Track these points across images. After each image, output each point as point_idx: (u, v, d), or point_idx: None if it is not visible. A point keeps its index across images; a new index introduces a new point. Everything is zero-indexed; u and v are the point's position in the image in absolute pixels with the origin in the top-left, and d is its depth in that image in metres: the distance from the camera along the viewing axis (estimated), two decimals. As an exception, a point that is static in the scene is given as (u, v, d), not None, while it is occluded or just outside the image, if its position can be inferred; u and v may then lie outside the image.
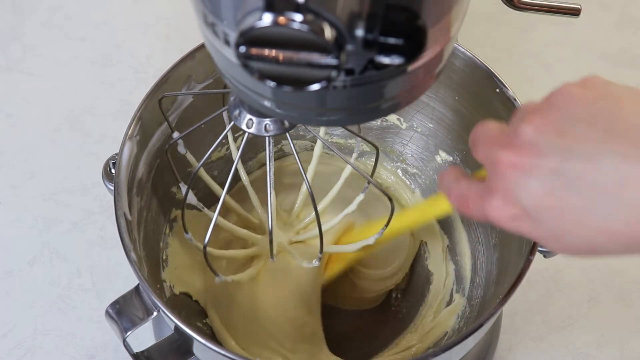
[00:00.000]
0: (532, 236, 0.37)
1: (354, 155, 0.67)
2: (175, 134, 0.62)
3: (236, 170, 0.54)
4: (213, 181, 0.68)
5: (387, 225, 0.61)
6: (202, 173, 0.67)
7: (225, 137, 0.54)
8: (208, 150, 0.56)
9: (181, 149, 0.63)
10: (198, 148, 0.66)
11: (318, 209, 0.57)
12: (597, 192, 0.33)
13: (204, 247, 0.56)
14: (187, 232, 0.61)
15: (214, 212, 0.55)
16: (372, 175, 0.64)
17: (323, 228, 0.58)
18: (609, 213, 0.33)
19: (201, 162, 0.55)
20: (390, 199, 0.58)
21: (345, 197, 0.69)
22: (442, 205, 0.58)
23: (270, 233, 0.56)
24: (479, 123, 0.40)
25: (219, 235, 0.70)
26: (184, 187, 0.63)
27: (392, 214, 0.59)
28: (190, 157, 0.64)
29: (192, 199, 0.64)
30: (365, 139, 0.63)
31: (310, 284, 0.69)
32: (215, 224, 0.55)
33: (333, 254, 0.68)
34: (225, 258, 0.68)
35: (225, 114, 0.61)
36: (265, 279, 0.69)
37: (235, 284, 0.66)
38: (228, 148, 0.71)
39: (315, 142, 0.73)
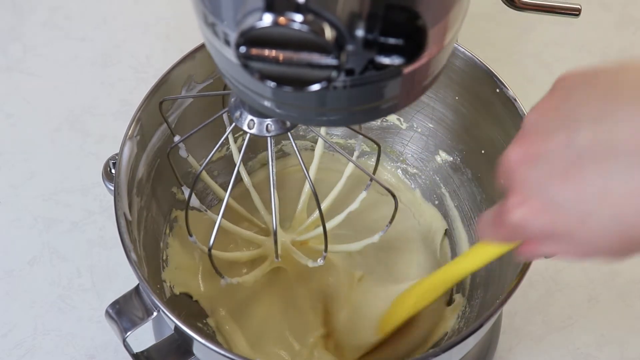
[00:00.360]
0: (559, 230, 0.33)
1: (355, 154, 0.67)
2: (176, 138, 0.62)
3: (238, 172, 0.54)
4: (215, 184, 0.68)
5: (391, 222, 0.61)
6: (204, 176, 0.67)
7: (226, 138, 0.54)
8: (207, 149, 0.55)
9: (183, 152, 0.63)
10: (197, 148, 0.66)
11: (321, 208, 0.57)
12: (613, 155, 0.30)
13: (209, 250, 0.56)
14: (191, 236, 0.61)
15: (215, 213, 0.55)
16: (374, 173, 0.64)
17: (327, 227, 0.58)
18: (631, 178, 0.30)
19: (202, 166, 0.55)
20: (394, 196, 0.58)
21: (348, 196, 0.70)
22: (488, 249, 0.49)
23: (275, 233, 0.56)
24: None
25: (221, 237, 0.70)
26: (185, 189, 0.63)
27: (395, 210, 0.59)
28: (192, 160, 0.64)
29: (194, 202, 0.64)
30: (366, 136, 0.63)
31: (327, 288, 0.69)
32: (219, 227, 0.55)
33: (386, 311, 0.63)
34: (229, 260, 0.68)
35: (225, 116, 0.61)
36: (283, 279, 0.69)
37: (249, 284, 0.66)
38: (228, 148, 0.71)
39: (315, 143, 0.73)
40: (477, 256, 0.51)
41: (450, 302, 0.70)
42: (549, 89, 0.35)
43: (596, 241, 0.33)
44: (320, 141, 0.68)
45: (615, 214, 0.31)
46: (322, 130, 0.68)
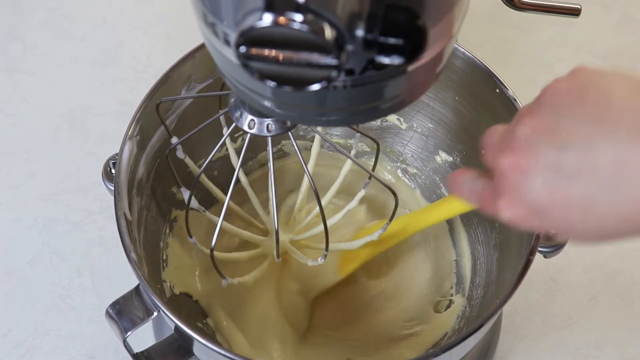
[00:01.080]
0: (544, 230, 0.38)
1: (353, 152, 0.67)
2: (174, 139, 0.61)
3: (237, 173, 0.54)
4: (214, 186, 0.68)
5: (390, 220, 0.61)
6: (203, 178, 0.67)
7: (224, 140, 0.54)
8: (206, 150, 0.55)
9: (180, 154, 0.63)
10: (196, 148, 0.66)
11: (322, 206, 0.57)
12: (597, 179, 0.33)
13: (211, 251, 0.56)
14: (191, 237, 0.61)
15: (214, 213, 0.55)
16: (373, 170, 0.64)
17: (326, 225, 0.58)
18: (613, 198, 0.33)
19: (202, 168, 0.55)
20: (393, 193, 0.58)
21: (347, 195, 0.70)
22: (456, 205, 0.58)
23: (277, 233, 0.56)
24: (488, 129, 0.41)
25: (220, 237, 0.70)
26: (184, 191, 0.63)
27: (396, 208, 0.59)
28: (189, 161, 0.64)
29: (194, 203, 0.64)
30: (365, 134, 0.63)
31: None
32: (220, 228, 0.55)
33: (345, 252, 0.68)
34: (229, 260, 0.68)
35: (222, 117, 0.61)
36: (282, 278, 0.69)
37: (249, 284, 0.67)
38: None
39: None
40: (446, 209, 0.59)
41: (449, 305, 0.70)
42: (538, 97, 0.37)
43: (578, 239, 0.37)
44: (316, 140, 0.68)
45: (597, 227, 0.35)
46: (321, 129, 0.68)
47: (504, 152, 0.37)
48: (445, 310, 0.69)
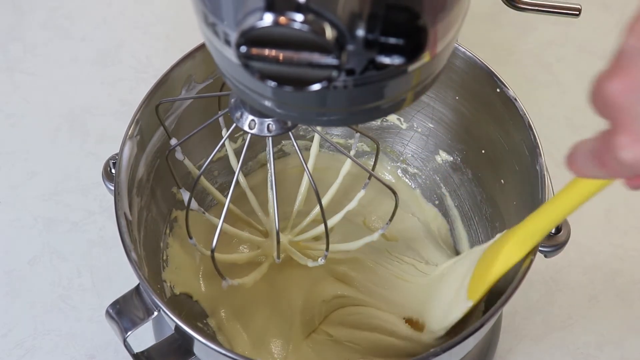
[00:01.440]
0: None
1: (352, 152, 0.67)
2: (173, 141, 0.61)
3: (237, 174, 0.54)
4: (214, 188, 0.68)
5: (390, 219, 0.61)
6: (202, 180, 0.67)
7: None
8: (206, 150, 0.55)
9: (179, 155, 0.63)
10: (196, 149, 0.66)
11: (322, 206, 0.57)
12: None
13: (212, 252, 0.56)
14: (191, 238, 0.61)
15: (214, 214, 0.55)
16: (373, 170, 0.64)
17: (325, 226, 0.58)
18: None
19: (201, 171, 0.55)
20: (394, 192, 0.58)
21: (346, 195, 0.70)
22: (582, 185, 0.46)
23: (278, 234, 0.56)
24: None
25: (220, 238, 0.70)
26: (184, 192, 0.63)
27: (396, 208, 0.59)
28: (188, 163, 0.64)
29: (193, 204, 0.64)
30: (364, 134, 0.63)
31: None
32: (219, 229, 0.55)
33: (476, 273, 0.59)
34: (228, 262, 0.68)
35: (221, 119, 0.61)
36: (281, 278, 0.69)
37: (249, 285, 0.66)
38: (228, 148, 0.71)
39: (315, 143, 0.73)
40: (578, 193, 0.46)
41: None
42: None
43: None
44: (315, 140, 0.68)
45: None
46: (321, 129, 0.68)
47: (610, 77, 0.30)
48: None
